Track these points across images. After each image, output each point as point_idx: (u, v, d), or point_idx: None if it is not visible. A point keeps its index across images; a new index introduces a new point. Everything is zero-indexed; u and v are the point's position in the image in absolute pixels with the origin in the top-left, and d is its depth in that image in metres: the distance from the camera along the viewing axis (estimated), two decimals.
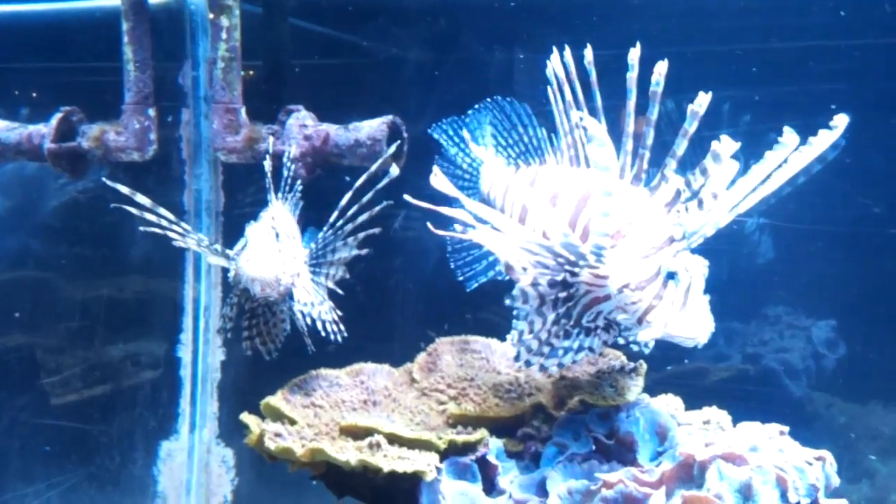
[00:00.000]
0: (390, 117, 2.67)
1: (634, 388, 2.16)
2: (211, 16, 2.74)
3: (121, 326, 3.04)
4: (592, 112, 1.98)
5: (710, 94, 1.77)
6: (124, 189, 2.11)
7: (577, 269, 1.89)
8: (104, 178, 2.16)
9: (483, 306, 2.93)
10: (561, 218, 1.90)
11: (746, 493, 1.82)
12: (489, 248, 1.94)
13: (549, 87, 2.07)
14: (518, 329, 1.95)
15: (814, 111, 1.98)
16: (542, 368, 1.99)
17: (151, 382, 2.95)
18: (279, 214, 2.23)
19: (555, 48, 2.04)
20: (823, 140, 1.86)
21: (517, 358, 1.98)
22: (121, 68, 2.76)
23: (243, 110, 2.77)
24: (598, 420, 2.11)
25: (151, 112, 2.77)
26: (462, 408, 2.22)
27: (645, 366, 2.24)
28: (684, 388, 2.46)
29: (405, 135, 2.69)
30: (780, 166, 1.86)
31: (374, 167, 2.26)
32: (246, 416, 2.14)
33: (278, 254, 2.11)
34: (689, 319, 1.83)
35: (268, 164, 2.22)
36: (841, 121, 1.88)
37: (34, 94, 3.20)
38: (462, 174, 2.45)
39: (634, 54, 1.85)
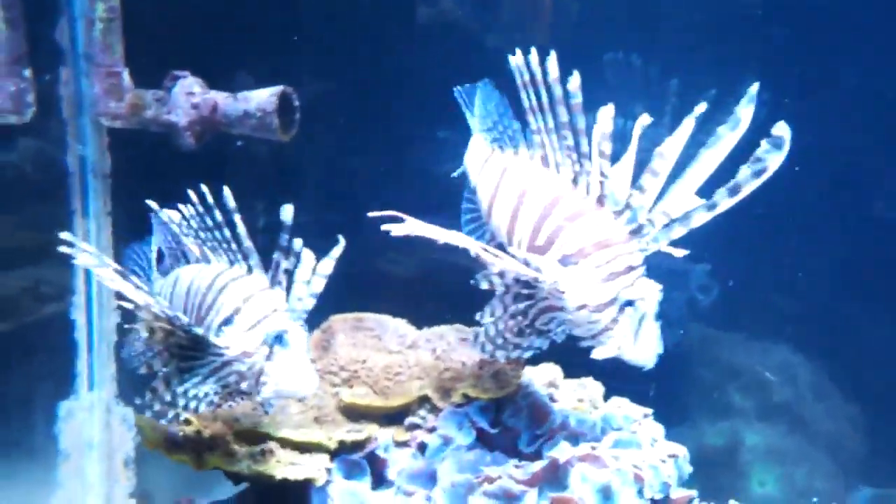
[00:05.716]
0: (280, 88, 2.62)
1: (514, 381, 2.31)
2: None
3: (12, 292, 3.01)
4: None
5: (610, 105, 1.83)
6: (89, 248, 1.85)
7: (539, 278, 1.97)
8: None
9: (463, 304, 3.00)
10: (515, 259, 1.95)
11: (606, 493, 2.03)
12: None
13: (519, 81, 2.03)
14: (484, 315, 2.07)
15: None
16: (491, 356, 2.12)
17: (47, 346, 2.95)
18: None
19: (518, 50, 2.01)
20: (746, 115, 1.82)
21: (476, 342, 2.11)
22: None
23: (126, 73, 2.67)
24: (479, 412, 2.26)
25: (27, 73, 2.64)
26: (353, 394, 2.35)
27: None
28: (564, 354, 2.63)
29: (296, 103, 2.65)
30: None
31: None
32: (141, 420, 2.17)
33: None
34: (640, 346, 1.92)
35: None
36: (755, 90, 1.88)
37: None
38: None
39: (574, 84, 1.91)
